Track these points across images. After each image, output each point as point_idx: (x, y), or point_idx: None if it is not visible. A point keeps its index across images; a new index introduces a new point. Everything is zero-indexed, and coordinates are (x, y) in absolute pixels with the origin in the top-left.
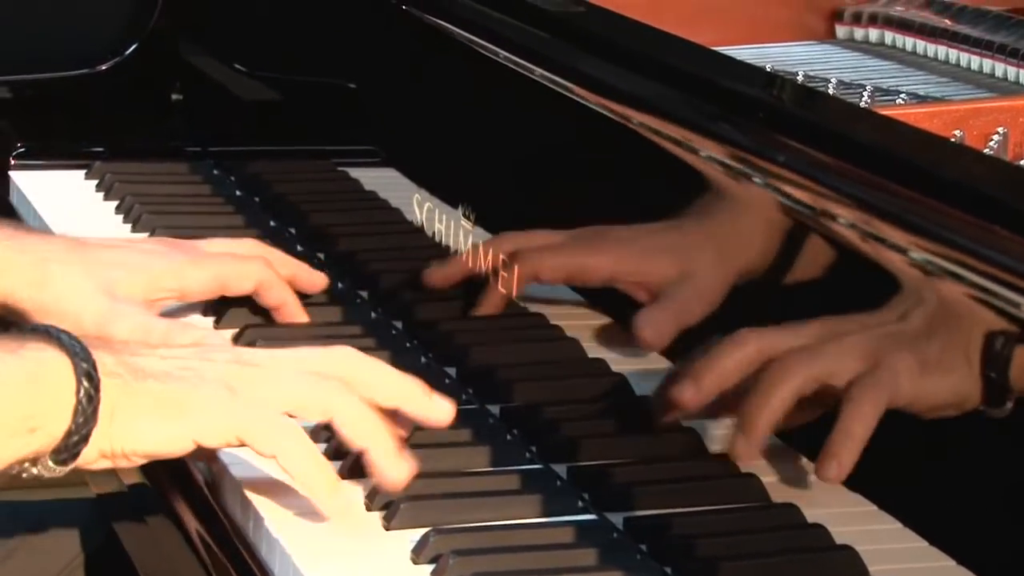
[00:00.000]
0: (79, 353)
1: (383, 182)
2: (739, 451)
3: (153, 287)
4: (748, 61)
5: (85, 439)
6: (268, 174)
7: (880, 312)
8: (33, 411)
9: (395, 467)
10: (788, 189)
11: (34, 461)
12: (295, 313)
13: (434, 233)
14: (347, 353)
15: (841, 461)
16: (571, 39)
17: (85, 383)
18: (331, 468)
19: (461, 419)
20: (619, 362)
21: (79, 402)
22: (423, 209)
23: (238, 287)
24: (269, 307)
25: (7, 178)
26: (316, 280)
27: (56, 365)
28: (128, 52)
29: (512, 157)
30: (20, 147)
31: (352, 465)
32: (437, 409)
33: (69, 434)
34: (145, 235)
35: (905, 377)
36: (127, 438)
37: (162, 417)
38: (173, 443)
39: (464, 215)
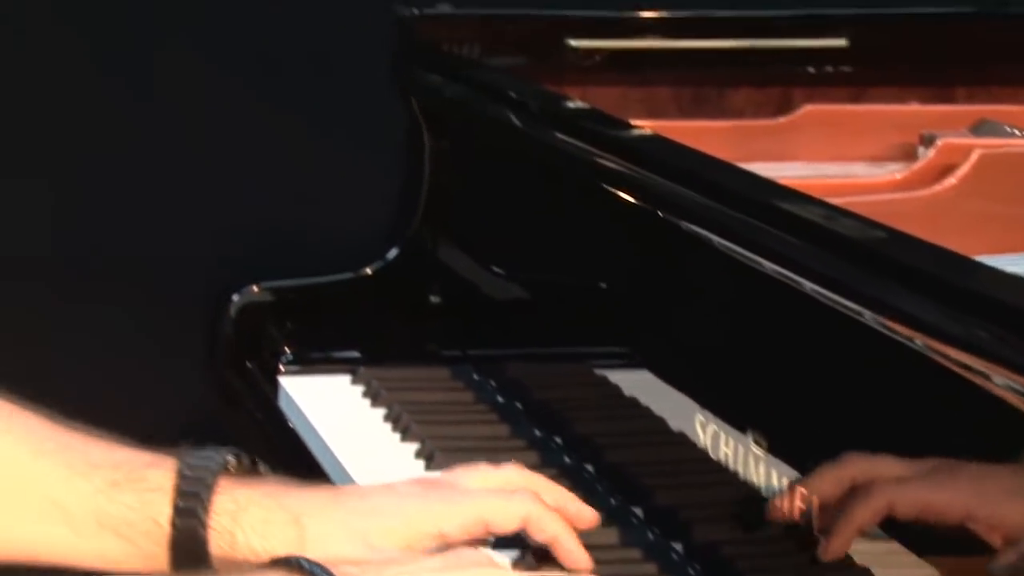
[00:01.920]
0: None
1: (643, 387)
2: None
3: (410, 532)
4: None
5: None
6: (527, 379)
7: None
8: None
9: (581, 552)
10: None
11: None
12: (572, 552)
13: (715, 454)
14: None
15: None
16: (859, 262)
17: None
18: None
19: None
20: None
21: None
22: (695, 422)
23: (502, 526)
24: (541, 544)
25: (276, 383)
26: (586, 515)
27: None
28: (390, 256)
29: (802, 378)
30: (287, 352)
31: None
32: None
33: None
34: (415, 445)
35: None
36: None
37: None
38: None
39: (754, 441)
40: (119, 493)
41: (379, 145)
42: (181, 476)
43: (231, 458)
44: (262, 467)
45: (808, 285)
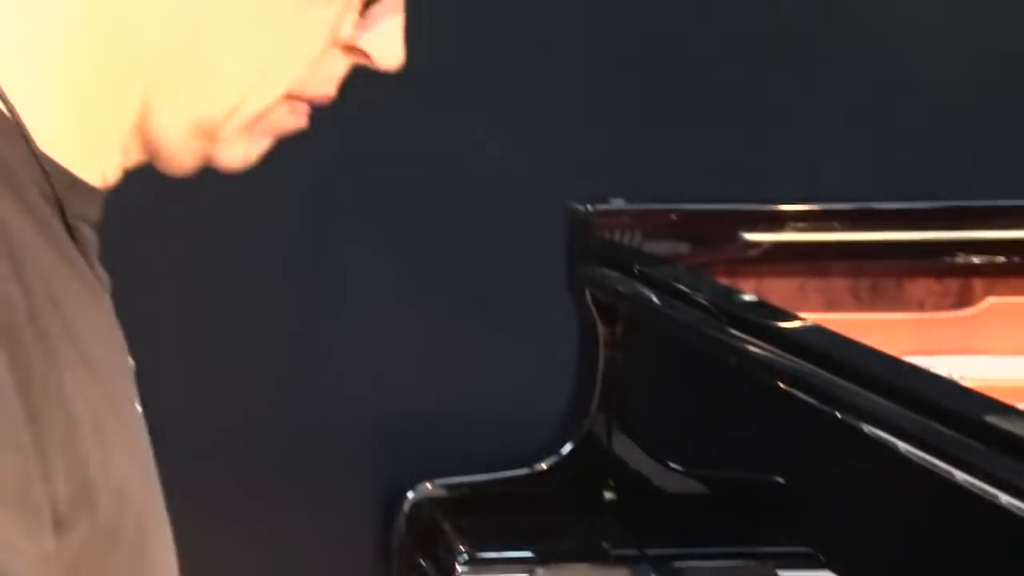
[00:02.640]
0: None
1: None
2: None
3: None
4: None
5: None
6: None
7: None
8: None
9: None
10: None
11: None
12: None
13: None
14: None
15: None
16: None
17: None
18: None
19: None
20: None
21: None
22: None
23: None
24: None
25: None
26: None
27: None
28: (564, 451)
29: None
30: (462, 551)
31: None
32: None
33: None
34: None
35: None
36: None
37: None
38: None
39: None
40: None
41: (552, 337)
42: None
43: None
44: None
45: (1004, 498)
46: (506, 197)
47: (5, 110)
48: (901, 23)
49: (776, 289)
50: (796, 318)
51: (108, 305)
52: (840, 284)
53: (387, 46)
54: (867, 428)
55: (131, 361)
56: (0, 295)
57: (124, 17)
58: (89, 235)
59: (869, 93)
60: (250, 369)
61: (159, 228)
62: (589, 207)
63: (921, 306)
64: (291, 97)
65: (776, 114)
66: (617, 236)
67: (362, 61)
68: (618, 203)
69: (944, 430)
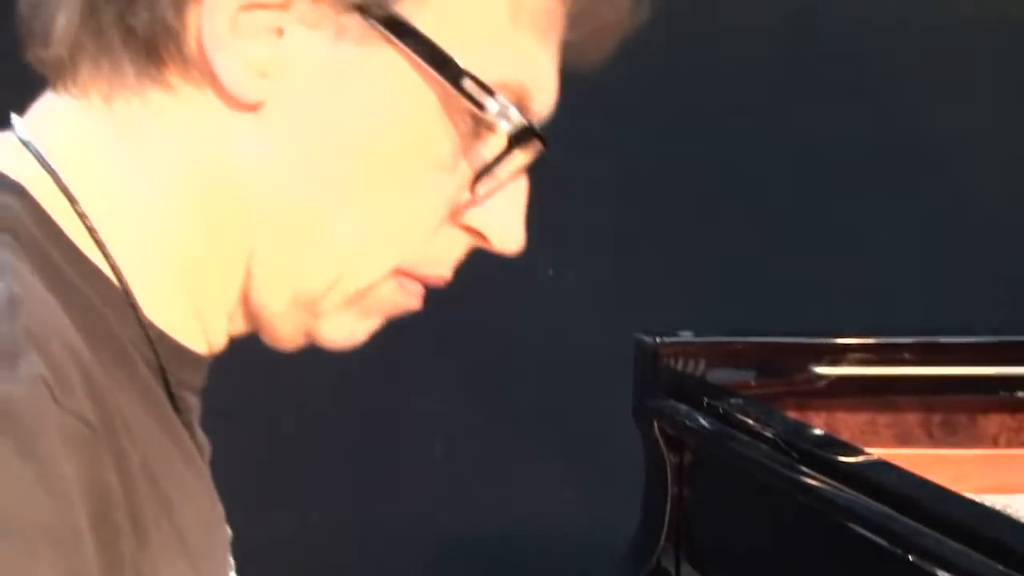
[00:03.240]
0: None
1: None
2: None
3: None
4: None
5: None
6: None
7: None
8: None
9: None
10: None
11: None
12: None
13: None
14: None
15: None
16: None
17: None
18: None
19: None
20: None
21: None
22: None
23: None
24: None
25: None
26: None
27: None
28: None
29: None
30: None
31: None
32: None
33: None
34: None
35: None
36: None
37: None
38: None
39: None
40: None
41: (619, 467)
42: None
43: None
44: None
45: None
46: (575, 328)
47: (114, 278)
48: (980, 155)
49: (846, 423)
50: (866, 455)
51: (206, 474)
52: (911, 419)
53: (507, 229)
54: (941, 574)
55: (228, 531)
56: (99, 485)
57: (236, 185)
58: (192, 401)
59: (941, 225)
60: (319, 485)
61: None
62: (657, 339)
63: (995, 442)
64: (401, 274)
65: (847, 247)
66: (685, 367)
67: (480, 243)
68: (686, 335)
69: None
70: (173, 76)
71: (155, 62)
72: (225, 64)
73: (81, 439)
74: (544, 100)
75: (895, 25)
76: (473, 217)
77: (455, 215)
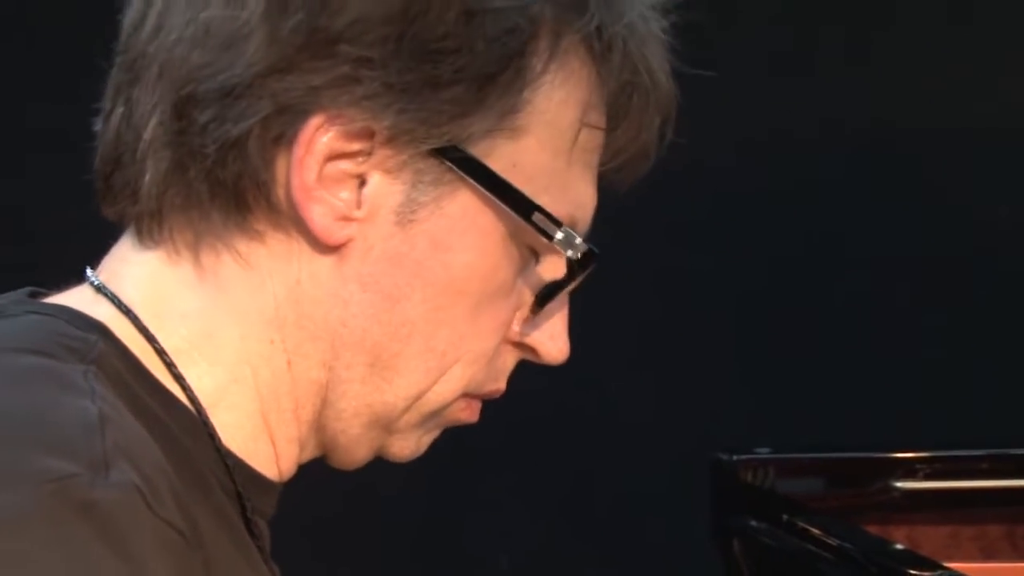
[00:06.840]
0: None
1: None
2: None
3: None
4: None
5: None
6: None
7: None
8: None
9: None
10: None
11: None
12: None
13: None
14: None
15: None
16: None
17: None
18: None
19: None
20: None
21: None
22: None
23: None
24: None
25: None
26: None
27: None
28: None
29: None
30: None
31: None
32: None
33: None
34: None
35: None
36: None
37: None
38: None
39: None
40: None
41: None
42: None
43: None
44: None
45: None
46: (652, 446)
47: (192, 407)
48: None
49: (928, 537)
50: (949, 571)
51: None
52: (995, 531)
53: (554, 342)
54: None
55: None
56: None
57: (317, 322)
58: (264, 529)
59: (1018, 330)
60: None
61: None
62: (734, 456)
63: None
64: (467, 395)
65: (918, 359)
66: (763, 484)
67: (529, 357)
68: (763, 452)
69: None
70: (260, 224)
71: (243, 211)
72: (315, 212)
73: (174, 546)
74: (587, 224)
75: None
76: (524, 333)
77: (510, 334)
